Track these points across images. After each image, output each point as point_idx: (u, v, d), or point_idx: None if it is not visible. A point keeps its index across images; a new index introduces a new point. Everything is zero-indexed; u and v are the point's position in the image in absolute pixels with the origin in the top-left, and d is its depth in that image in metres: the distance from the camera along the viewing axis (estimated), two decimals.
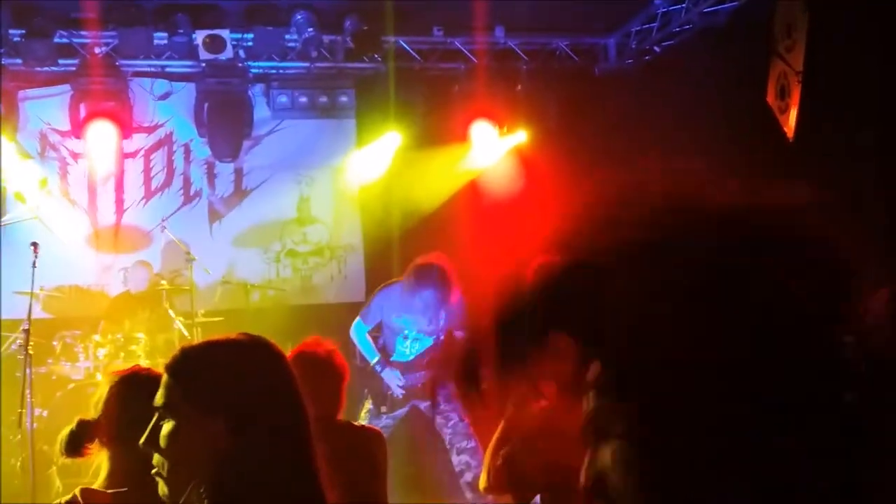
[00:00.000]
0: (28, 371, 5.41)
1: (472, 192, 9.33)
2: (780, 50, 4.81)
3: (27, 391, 5.37)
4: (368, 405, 5.99)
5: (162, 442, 1.77)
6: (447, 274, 5.76)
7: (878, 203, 5.08)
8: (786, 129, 4.67)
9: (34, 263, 5.83)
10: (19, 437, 7.23)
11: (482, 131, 9.12)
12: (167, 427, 1.78)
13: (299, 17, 8.49)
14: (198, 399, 1.80)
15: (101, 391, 2.54)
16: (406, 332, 5.94)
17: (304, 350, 3.74)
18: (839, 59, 4.29)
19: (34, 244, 5.91)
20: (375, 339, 6.25)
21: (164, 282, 8.33)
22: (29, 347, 5.46)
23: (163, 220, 8.68)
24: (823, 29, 4.36)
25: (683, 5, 8.18)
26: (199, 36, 8.33)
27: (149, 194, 9.28)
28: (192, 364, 1.86)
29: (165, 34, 8.40)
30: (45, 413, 7.07)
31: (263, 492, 1.75)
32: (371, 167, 9.40)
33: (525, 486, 1.41)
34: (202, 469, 1.75)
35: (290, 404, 1.86)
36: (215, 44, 8.40)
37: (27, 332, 5.56)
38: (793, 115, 4.60)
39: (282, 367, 1.92)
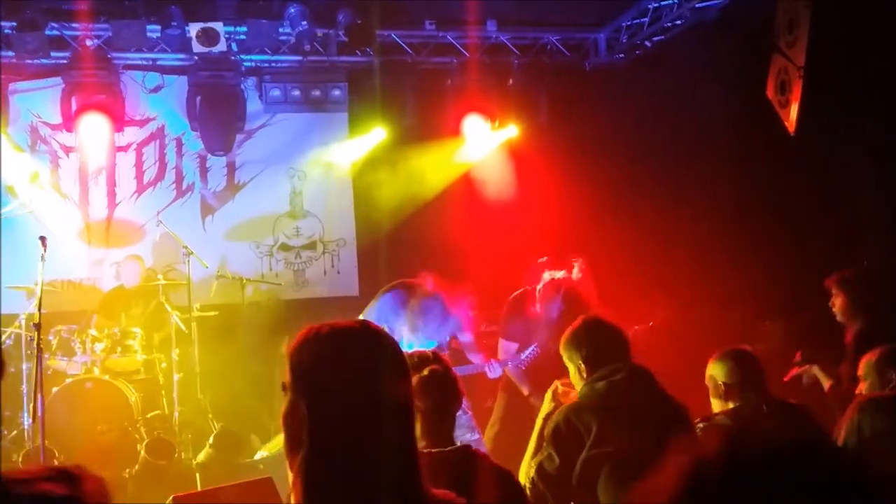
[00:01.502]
0: (39, 365, 5.40)
1: (465, 185, 9.37)
2: (781, 45, 4.88)
3: (38, 385, 5.35)
4: None
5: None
6: (443, 300, 5.82)
7: (878, 196, 5.18)
8: (787, 123, 4.74)
9: (42, 257, 5.80)
10: (14, 433, 7.23)
11: (474, 125, 9.16)
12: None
13: (292, 10, 8.47)
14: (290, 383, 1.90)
15: None
16: (408, 335, 5.98)
17: None
18: (840, 54, 4.37)
19: (42, 238, 5.88)
20: None
21: (160, 276, 8.32)
22: (39, 342, 5.44)
23: (158, 214, 8.66)
24: (825, 24, 4.44)
25: (675, 0, 8.25)
26: (193, 29, 8.30)
27: (141, 188, 9.26)
28: (293, 350, 1.93)
29: (158, 27, 8.36)
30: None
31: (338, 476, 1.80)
32: (362, 160, 9.43)
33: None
34: (296, 446, 1.83)
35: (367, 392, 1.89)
36: (208, 37, 8.37)
37: (38, 326, 5.54)
38: (794, 109, 4.67)
39: (367, 355, 1.94)
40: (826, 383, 4.97)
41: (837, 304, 5.32)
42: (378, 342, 1.95)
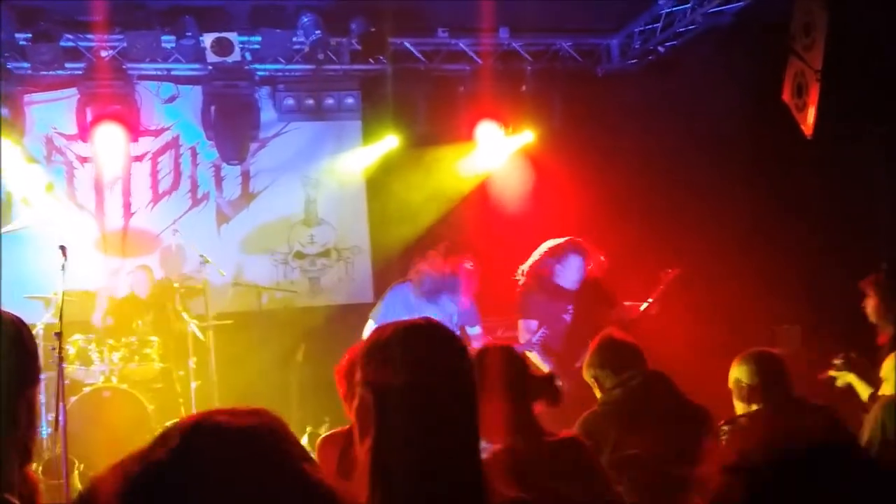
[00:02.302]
0: (61, 374, 5.43)
1: (478, 191, 9.39)
2: (797, 48, 4.88)
3: (60, 394, 5.39)
4: None
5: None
6: (460, 277, 5.83)
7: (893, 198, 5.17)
8: (804, 127, 4.74)
9: (63, 266, 5.83)
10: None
11: (488, 132, 9.18)
12: None
13: (306, 19, 8.52)
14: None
15: None
16: None
17: None
18: (858, 57, 4.37)
19: (62, 247, 5.92)
20: None
21: (176, 285, 8.35)
22: (62, 350, 5.48)
23: (174, 223, 8.70)
24: (843, 27, 4.44)
25: (688, 6, 8.25)
26: (207, 39, 8.35)
27: (156, 198, 9.30)
28: (365, 347, 2.08)
29: (172, 37, 8.41)
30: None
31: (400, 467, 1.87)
32: (376, 168, 9.47)
33: None
34: (365, 434, 1.96)
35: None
36: (222, 46, 8.41)
37: (59, 335, 5.58)
38: (811, 113, 4.67)
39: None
40: (865, 393, 4.88)
41: (870, 305, 5.28)
42: (440, 336, 2.06)
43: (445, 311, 6.06)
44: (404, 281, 6.37)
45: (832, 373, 5.09)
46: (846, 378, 5.03)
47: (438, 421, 1.94)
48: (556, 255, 6.29)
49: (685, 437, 3.64)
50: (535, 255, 6.41)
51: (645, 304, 6.65)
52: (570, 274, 6.28)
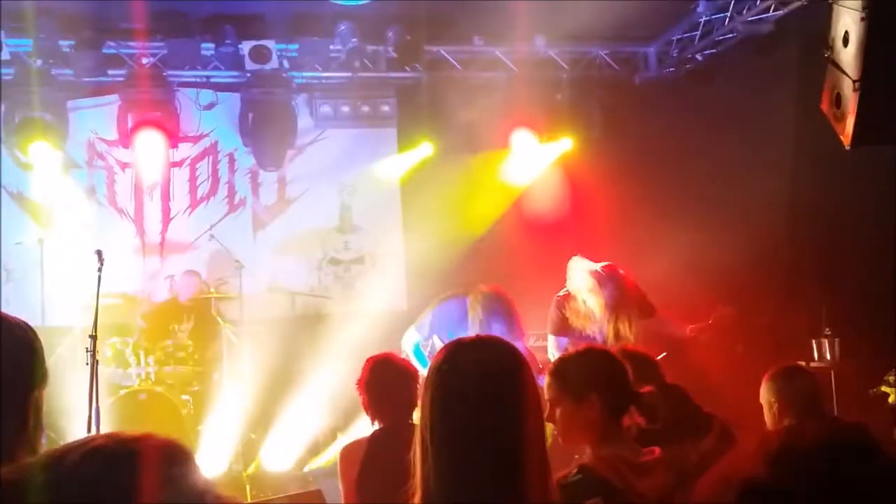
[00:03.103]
0: (95, 376, 5.51)
1: (514, 199, 9.37)
2: (835, 58, 4.82)
3: (95, 396, 5.47)
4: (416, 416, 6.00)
5: None
6: (514, 310, 5.79)
7: None
8: (843, 137, 4.67)
9: (99, 270, 5.92)
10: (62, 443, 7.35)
11: (523, 140, 9.16)
12: None
13: (343, 27, 8.60)
14: None
15: None
16: None
17: (381, 358, 3.83)
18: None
19: (98, 252, 6.01)
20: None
21: (212, 290, 8.44)
22: (96, 353, 5.57)
23: (211, 228, 8.80)
24: (881, 37, 4.38)
25: (727, 14, 8.19)
26: (245, 46, 8.45)
27: (194, 203, 9.42)
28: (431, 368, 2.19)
29: (212, 45, 8.53)
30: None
31: None
32: (411, 175, 9.50)
33: None
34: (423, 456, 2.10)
35: None
36: (261, 54, 8.51)
37: (94, 337, 5.66)
38: (850, 122, 4.60)
39: None
40: None
41: None
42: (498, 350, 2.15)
43: (497, 331, 5.94)
44: (456, 296, 6.30)
45: (884, 388, 4.94)
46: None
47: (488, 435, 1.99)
48: (590, 281, 6.19)
49: (699, 448, 3.60)
50: (573, 276, 6.29)
51: (690, 327, 6.57)
52: (601, 300, 6.17)
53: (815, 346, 6.92)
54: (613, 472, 2.62)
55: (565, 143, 9.22)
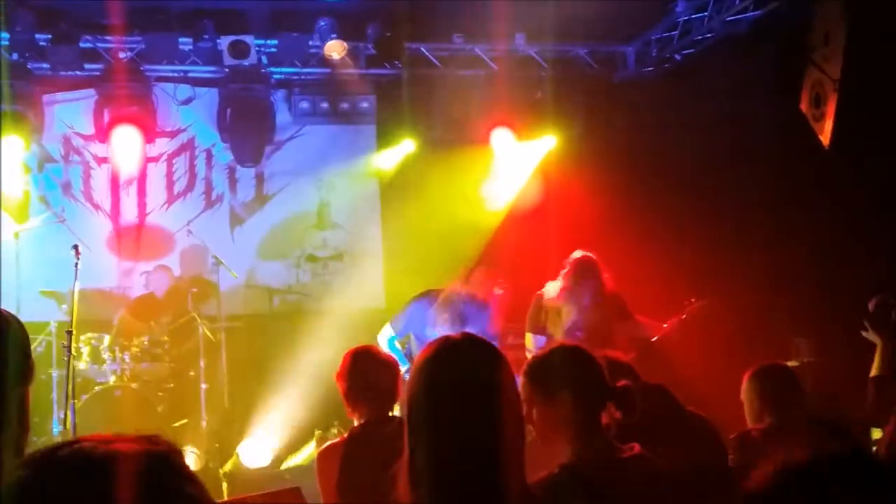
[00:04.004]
0: (71, 372, 5.47)
1: (493, 197, 9.37)
2: (816, 58, 4.85)
3: (71, 391, 5.42)
4: (396, 412, 5.99)
5: None
6: (489, 307, 5.79)
7: None
8: (821, 137, 4.71)
9: (76, 265, 5.87)
10: (43, 439, 7.28)
11: (503, 138, 9.16)
12: None
13: (322, 23, 8.55)
14: None
15: None
16: None
17: (363, 349, 3.81)
18: (876, 68, 4.35)
19: (75, 246, 5.95)
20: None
21: (194, 290, 8.36)
22: (71, 348, 5.51)
23: (188, 224, 8.74)
24: (862, 37, 4.41)
25: (706, 13, 8.22)
26: (224, 42, 8.39)
27: (171, 199, 9.34)
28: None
29: (190, 40, 8.46)
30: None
31: None
32: (390, 172, 9.48)
33: None
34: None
35: None
36: (239, 49, 8.45)
37: (71, 333, 5.61)
38: (829, 123, 4.64)
39: None
40: (874, 370, 4.58)
41: None
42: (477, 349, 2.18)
43: (470, 328, 5.95)
44: (431, 292, 6.29)
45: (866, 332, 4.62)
46: (874, 340, 4.54)
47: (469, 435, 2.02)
48: (567, 276, 6.20)
49: (682, 446, 3.60)
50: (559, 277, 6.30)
51: (664, 326, 6.59)
52: (580, 297, 6.18)
53: (793, 346, 6.98)
54: (594, 470, 2.61)
55: (546, 142, 9.23)
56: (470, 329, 5.60)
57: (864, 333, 4.46)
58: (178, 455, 1.16)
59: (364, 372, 3.72)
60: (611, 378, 2.79)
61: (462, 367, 2.08)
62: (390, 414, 3.79)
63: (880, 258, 5.88)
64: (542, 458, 2.61)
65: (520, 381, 2.67)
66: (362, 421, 3.74)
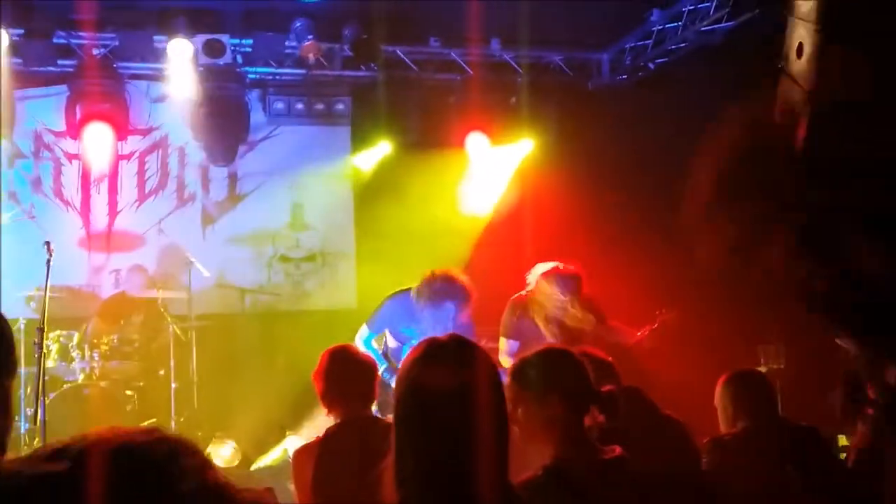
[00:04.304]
0: (42, 369, 5.41)
1: (467, 202, 9.40)
2: (789, 68, 4.92)
3: (42, 389, 5.37)
4: (374, 411, 5.98)
5: None
6: (467, 289, 5.78)
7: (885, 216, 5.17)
8: (794, 144, 4.77)
9: (48, 262, 5.81)
10: (11, 437, 7.20)
11: (477, 143, 9.20)
12: None
13: (299, 24, 8.54)
14: None
15: None
16: (413, 341, 5.93)
17: (340, 348, 3.82)
18: (849, 78, 4.41)
19: (47, 243, 5.90)
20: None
21: (160, 289, 8.29)
22: (42, 346, 5.46)
23: (160, 222, 8.68)
24: (835, 48, 4.48)
25: (680, 23, 8.32)
26: (199, 41, 8.35)
27: (142, 197, 9.27)
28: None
29: (164, 37, 8.40)
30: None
31: None
32: (364, 174, 9.48)
33: None
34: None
35: None
36: (214, 48, 8.42)
37: (42, 330, 5.56)
38: (801, 133, 4.70)
39: None
40: None
41: None
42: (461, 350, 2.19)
43: (443, 323, 5.94)
44: (404, 290, 6.29)
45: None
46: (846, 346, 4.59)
47: (454, 435, 2.04)
48: (540, 281, 6.24)
49: (658, 449, 3.64)
50: (534, 279, 6.34)
51: (638, 334, 6.66)
52: (552, 302, 6.21)
53: (760, 352, 7.07)
54: (578, 472, 2.65)
55: (521, 147, 9.27)
56: (445, 316, 5.62)
57: (837, 339, 4.54)
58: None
59: (341, 371, 3.73)
60: (596, 378, 2.84)
61: (449, 368, 2.09)
62: (366, 413, 3.79)
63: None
64: (523, 458, 2.64)
65: (505, 381, 2.70)
66: (338, 420, 3.75)
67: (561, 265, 6.19)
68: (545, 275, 6.15)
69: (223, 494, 1.11)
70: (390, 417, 4.11)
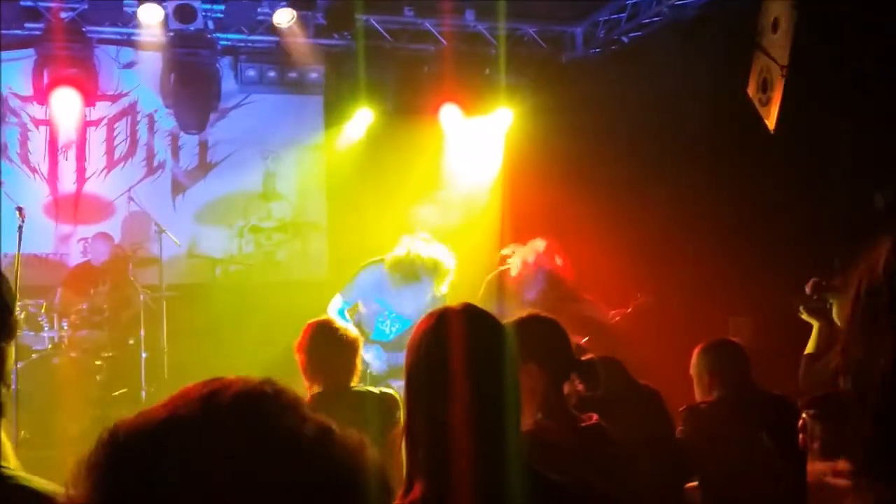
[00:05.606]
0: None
1: (441, 172, 9.38)
2: (764, 43, 4.96)
3: (13, 358, 5.28)
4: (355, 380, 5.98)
5: None
6: (442, 259, 5.75)
7: (853, 193, 5.27)
8: (767, 121, 4.83)
9: (20, 228, 5.72)
10: None
11: (451, 114, 9.16)
12: None
13: None
14: None
15: None
16: (386, 311, 5.93)
17: (323, 321, 3.81)
18: (824, 55, 4.46)
19: (20, 208, 5.81)
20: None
21: (129, 255, 8.22)
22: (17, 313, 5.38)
23: (129, 190, 8.57)
24: (810, 24, 4.53)
25: None
26: (169, 5, 8.21)
27: (111, 164, 9.14)
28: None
29: (135, 1, 8.25)
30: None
31: None
32: (337, 144, 9.41)
33: None
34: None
35: None
36: (185, 13, 8.29)
37: (14, 297, 5.47)
38: (775, 108, 4.76)
39: None
40: (811, 346, 4.62)
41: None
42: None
43: (421, 295, 5.89)
44: (379, 260, 6.24)
45: (803, 314, 4.69)
46: (810, 321, 4.60)
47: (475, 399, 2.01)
48: (524, 277, 6.26)
49: (638, 419, 3.69)
50: (512, 263, 6.36)
51: (612, 313, 6.72)
52: (529, 293, 6.24)
53: (730, 325, 7.16)
54: (555, 439, 2.66)
55: (495, 119, 9.25)
56: (422, 288, 5.60)
57: (801, 315, 4.59)
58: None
59: (324, 344, 3.72)
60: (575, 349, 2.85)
61: (462, 337, 2.08)
62: (348, 386, 3.79)
63: (816, 238, 6.06)
64: None
65: None
66: (317, 391, 3.74)
67: (540, 247, 6.19)
68: (526, 266, 6.18)
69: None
70: (364, 387, 4.12)
